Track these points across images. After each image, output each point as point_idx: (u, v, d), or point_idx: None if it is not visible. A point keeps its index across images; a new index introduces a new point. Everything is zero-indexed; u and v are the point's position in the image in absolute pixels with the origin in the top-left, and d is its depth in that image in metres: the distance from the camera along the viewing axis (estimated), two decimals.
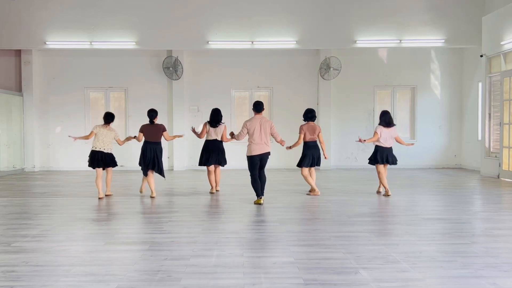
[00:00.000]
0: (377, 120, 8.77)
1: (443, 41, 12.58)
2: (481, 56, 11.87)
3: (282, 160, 13.15)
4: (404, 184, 10.02)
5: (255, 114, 7.64)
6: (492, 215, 6.74)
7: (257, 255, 4.61)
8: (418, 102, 13.79)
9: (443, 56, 13.77)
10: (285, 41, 12.63)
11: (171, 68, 13.15)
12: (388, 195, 8.31)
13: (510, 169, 10.62)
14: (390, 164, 8.51)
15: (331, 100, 13.61)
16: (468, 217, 6.54)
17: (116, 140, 8.35)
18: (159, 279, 3.87)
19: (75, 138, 8.41)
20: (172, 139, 8.82)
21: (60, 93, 13.62)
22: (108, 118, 8.29)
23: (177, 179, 11.32)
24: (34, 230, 5.68)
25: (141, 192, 8.54)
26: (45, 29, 12.62)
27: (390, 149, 8.44)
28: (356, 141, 8.97)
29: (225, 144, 8.87)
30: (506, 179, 10.68)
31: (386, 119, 8.40)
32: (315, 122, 8.77)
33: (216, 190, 8.91)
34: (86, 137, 8.29)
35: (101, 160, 8.14)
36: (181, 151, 13.48)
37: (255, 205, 7.40)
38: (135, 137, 8.44)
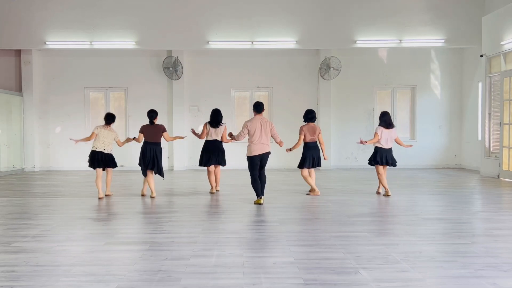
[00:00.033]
0: (377, 120, 8.76)
1: (443, 41, 12.58)
2: (481, 56, 11.87)
3: (282, 160, 13.15)
4: (404, 184, 10.02)
5: (255, 115, 7.64)
6: (492, 215, 6.74)
7: (257, 255, 4.61)
8: (418, 102, 13.80)
9: (443, 56, 13.77)
10: (285, 41, 12.63)
11: (171, 68, 13.15)
12: (388, 195, 8.31)
13: (510, 169, 10.62)
14: (389, 166, 8.52)
15: (331, 100, 13.61)
16: (468, 217, 6.54)
17: (116, 141, 8.35)
18: (159, 279, 3.87)
19: (77, 141, 8.41)
20: (173, 140, 8.81)
21: (60, 93, 13.62)
22: (109, 119, 8.29)
23: (177, 179, 11.32)
24: (34, 230, 5.68)
25: (143, 194, 8.51)
26: (45, 29, 12.62)
27: (390, 150, 8.44)
28: (357, 142, 8.98)
29: (225, 145, 8.87)
30: (506, 179, 10.68)
31: (386, 120, 8.41)
32: (315, 122, 8.76)
33: (216, 190, 8.91)
34: (88, 139, 8.28)
35: (101, 160, 8.15)
36: (181, 151, 13.48)
37: (255, 205, 7.40)
38: (134, 138, 8.44)
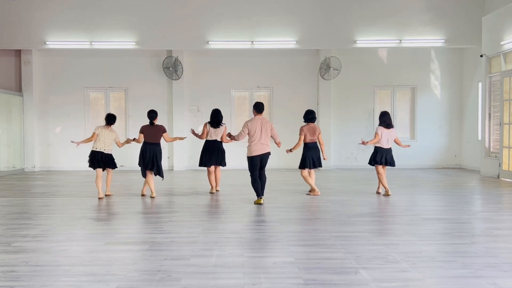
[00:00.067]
0: (377, 120, 8.77)
1: (443, 41, 12.58)
2: (481, 56, 11.87)
3: (282, 160, 13.15)
4: (404, 184, 10.02)
5: (255, 115, 7.64)
6: (492, 215, 6.74)
7: (257, 255, 4.61)
8: (418, 102, 13.80)
9: (443, 56, 13.77)
10: (285, 41, 12.63)
11: (171, 68, 13.15)
12: (388, 195, 8.32)
13: (510, 169, 10.62)
14: (388, 166, 8.53)
15: (331, 100, 13.61)
16: (468, 217, 6.54)
17: (115, 142, 8.36)
18: (159, 279, 3.87)
19: (78, 143, 8.41)
20: (173, 140, 8.82)
21: (60, 93, 13.62)
22: (110, 119, 8.31)
23: (177, 179, 11.32)
24: (34, 230, 5.68)
25: (143, 195, 8.51)
26: (45, 29, 12.62)
27: (390, 150, 8.45)
28: (359, 143, 9.00)
29: (225, 145, 8.87)
30: (506, 179, 10.68)
31: (386, 120, 8.42)
32: (315, 123, 8.76)
33: (216, 190, 8.92)
34: (89, 140, 8.28)
35: (101, 160, 8.15)
36: (181, 151, 13.48)
37: (255, 205, 7.40)
38: (134, 139, 8.44)
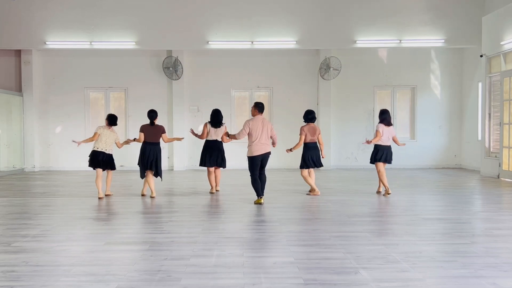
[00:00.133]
0: (377, 120, 8.78)
1: (443, 41, 12.58)
2: (481, 56, 11.88)
3: (282, 160, 13.15)
4: (404, 184, 10.02)
5: (256, 114, 7.62)
6: (492, 215, 6.74)
7: (257, 255, 4.61)
8: (418, 102, 13.80)
9: (443, 56, 13.77)
10: (285, 41, 12.63)
11: (171, 68, 13.15)
12: (389, 194, 8.33)
13: (510, 169, 10.62)
14: (388, 163, 8.55)
15: (331, 100, 13.61)
16: (468, 217, 6.54)
17: (115, 143, 8.37)
18: (159, 279, 3.87)
19: (79, 143, 8.41)
20: (171, 141, 8.82)
21: (60, 93, 13.62)
22: (112, 120, 8.34)
23: (177, 179, 11.32)
24: (34, 230, 5.68)
25: (143, 194, 8.51)
26: (45, 29, 12.62)
27: (389, 147, 8.49)
28: (363, 143, 9.01)
29: (225, 145, 8.87)
30: (506, 179, 10.68)
31: (387, 118, 8.46)
32: (315, 123, 8.77)
33: (216, 190, 8.92)
34: (91, 140, 8.29)
35: (102, 160, 8.16)
36: (181, 151, 13.48)
37: (255, 205, 7.40)
38: (134, 139, 8.45)
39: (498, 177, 11.01)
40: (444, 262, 4.33)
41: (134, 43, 12.60)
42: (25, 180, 11.32)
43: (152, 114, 8.34)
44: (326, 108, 13.51)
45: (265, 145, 7.50)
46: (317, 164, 8.37)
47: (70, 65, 13.63)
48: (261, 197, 7.53)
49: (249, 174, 7.58)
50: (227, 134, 8.12)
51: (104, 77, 13.65)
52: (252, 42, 12.61)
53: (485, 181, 10.56)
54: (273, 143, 7.79)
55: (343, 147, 13.79)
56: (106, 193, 8.44)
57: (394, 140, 8.64)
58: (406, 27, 12.56)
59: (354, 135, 13.68)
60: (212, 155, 8.64)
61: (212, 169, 8.75)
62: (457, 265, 4.22)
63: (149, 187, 8.27)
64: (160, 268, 4.15)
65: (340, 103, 13.76)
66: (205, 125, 8.70)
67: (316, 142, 8.42)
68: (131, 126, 13.46)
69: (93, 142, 8.26)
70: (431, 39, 12.60)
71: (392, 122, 8.69)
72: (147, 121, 8.42)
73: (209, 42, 12.61)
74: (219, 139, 8.66)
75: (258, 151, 7.44)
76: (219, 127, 8.63)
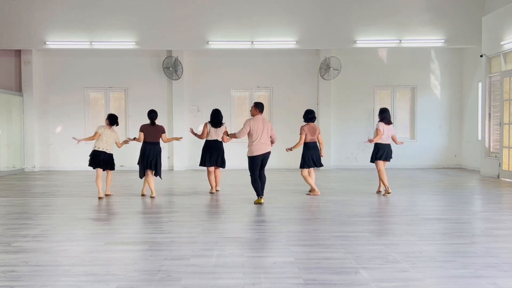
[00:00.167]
0: (377, 119, 8.78)
1: (443, 41, 12.58)
2: (481, 56, 11.87)
3: (282, 160, 13.15)
4: (404, 184, 10.01)
5: (256, 114, 7.62)
6: (492, 215, 6.74)
7: (257, 255, 4.61)
8: (418, 102, 13.80)
9: (443, 56, 13.77)
10: (285, 41, 12.63)
11: (171, 68, 13.15)
12: (389, 193, 8.34)
13: (510, 169, 10.62)
14: (388, 161, 8.56)
15: (331, 100, 13.61)
16: (468, 217, 6.54)
17: (116, 143, 8.38)
18: (159, 279, 3.87)
19: (79, 140, 8.42)
20: (170, 141, 8.83)
21: (60, 93, 13.62)
22: (114, 120, 8.36)
23: (177, 179, 11.32)
24: (34, 230, 5.68)
25: (143, 194, 8.51)
26: (45, 29, 12.62)
27: (389, 146, 8.51)
28: (365, 142, 9.00)
29: (225, 145, 8.87)
30: (506, 179, 10.68)
31: (387, 117, 8.48)
32: (315, 122, 8.77)
33: (216, 190, 8.92)
34: (91, 138, 8.30)
35: (104, 160, 8.17)
36: (181, 151, 13.48)
37: (255, 205, 7.40)
38: (134, 138, 8.45)
39: (498, 177, 11.01)
40: (444, 262, 4.33)
41: (134, 43, 12.60)
42: (25, 180, 11.32)
43: (153, 114, 8.35)
44: (326, 108, 13.51)
45: (265, 144, 7.50)
46: (317, 163, 8.38)
47: (70, 65, 13.63)
48: (261, 197, 7.53)
49: (249, 174, 7.58)
50: (227, 133, 8.11)
51: (104, 77, 13.65)
52: (252, 42, 12.61)
53: (485, 181, 10.56)
54: (272, 143, 7.79)
55: (343, 147, 13.79)
56: (106, 193, 8.44)
57: (393, 139, 8.67)
58: (406, 27, 12.56)
59: (354, 135, 13.68)
60: (213, 155, 8.64)
61: (212, 169, 8.75)
62: (457, 265, 4.22)
63: (149, 187, 8.28)
64: (160, 268, 4.15)
65: (340, 103, 13.76)
66: (205, 125, 8.71)
67: (316, 142, 8.43)
68: (131, 126, 13.46)
69: (93, 141, 8.27)
70: (431, 39, 12.60)
71: (391, 121, 8.72)
72: (147, 121, 8.42)
73: (209, 42, 12.61)
74: (219, 139, 8.66)
75: (258, 151, 7.44)
76: (219, 127, 8.63)
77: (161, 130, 8.35)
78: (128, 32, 12.59)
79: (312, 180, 8.45)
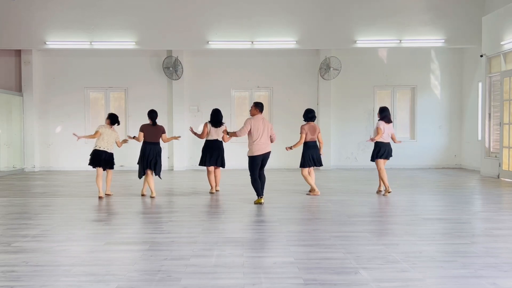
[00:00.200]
0: (377, 119, 8.78)
1: (443, 41, 12.58)
2: (481, 56, 11.87)
3: (282, 160, 13.15)
4: (404, 184, 10.01)
5: (256, 114, 7.61)
6: (492, 215, 6.74)
7: (257, 255, 4.61)
8: (418, 102, 13.80)
9: (443, 56, 13.77)
10: (285, 41, 12.63)
11: (171, 68, 13.15)
12: (389, 192, 8.34)
13: (510, 169, 10.62)
14: (388, 160, 8.57)
15: (331, 100, 13.61)
16: (468, 217, 6.54)
17: (116, 142, 8.39)
18: (159, 279, 3.87)
19: (79, 137, 8.43)
20: (169, 140, 8.83)
21: (60, 93, 13.62)
22: (115, 119, 8.38)
23: (177, 179, 11.32)
24: (34, 230, 5.68)
25: (143, 194, 8.51)
26: (45, 29, 12.62)
27: (389, 144, 8.53)
28: (367, 140, 9.01)
29: (225, 145, 8.88)
30: (506, 179, 10.68)
31: (388, 115, 8.51)
32: (315, 122, 8.77)
33: (216, 190, 8.92)
34: (92, 136, 8.34)
35: (104, 160, 8.19)
36: (181, 151, 13.48)
37: (255, 205, 7.39)
38: (134, 137, 8.44)
39: (498, 177, 11.01)
40: (444, 262, 4.33)
41: (134, 43, 12.60)
42: (25, 180, 11.32)
43: (155, 115, 8.36)
44: (326, 108, 13.51)
45: (266, 144, 7.51)
46: (317, 163, 8.38)
47: (70, 65, 13.64)
48: (261, 197, 7.53)
49: (249, 173, 7.58)
50: (227, 132, 8.09)
51: (104, 77, 13.65)
52: (252, 42, 12.61)
53: (485, 181, 10.56)
54: (271, 142, 7.80)
55: (343, 147, 13.79)
56: (106, 193, 8.45)
57: (392, 137, 8.69)
58: (406, 27, 12.56)
59: (354, 135, 13.68)
60: (213, 154, 8.65)
61: (211, 168, 8.75)
62: (457, 265, 4.22)
63: (149, 187, 8.28)
64: (160, 268, 4.15)
65: (340, 103, 13.76)
66: (205, 124, 8.71)
67: (315, 141, 8.44)
68: (131, 126, 13.46)
69: (94, 140, 8.29)
70: (431, 39, 12.60)
71: (391, 119, 8.75)
72: (147, 121, 8.42)
73: (209, 42, 12.61)
74: (220, 139, 8.67)
75: (259, 151, 7.44)
76: (219, 126, 8.64)
77: (161, 130, 8.36)
78: (128, 32, 12.59)
79: (312, 180, 8.45)
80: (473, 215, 6.72)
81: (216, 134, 8.64)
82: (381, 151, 8.44)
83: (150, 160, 8.15)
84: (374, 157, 8.55)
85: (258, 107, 7.63)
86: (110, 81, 13.67)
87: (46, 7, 12.61)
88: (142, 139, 8.26)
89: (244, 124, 7.53)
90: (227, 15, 12.62)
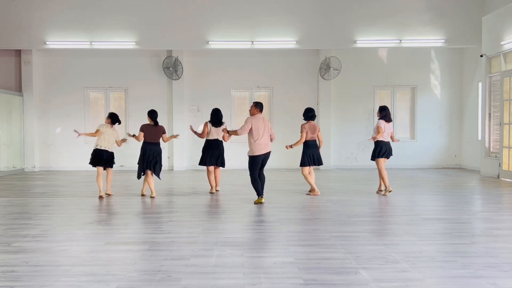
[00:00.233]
0: (377, 118, 8.78)
1: (443, 41, 12.58)
2: (481, 56, 11.87)
3: (282, 160, 13.15)
4: (404, 184, 10.01)
5: (256, 113, 7.62)
6: (492, 215, 6.74)
7: (257, 255, 4.61)
8: (418, 102, 13.80)
9: (443, 56, 13.77)
10: (285, 41, 12.63)
11: (171, 68, 13.15)
12: (390, 191, 8.35)
13: (510, 169, 10.62)
14: (388, 158, 8.57)
15: (331, 100, 13.61)
16: (468, 217, 6.54)
17: (116, 141, 8.41)
18: (159, 279, 3.87)
19: (80, 134, 8.44)
20: (169, 140, 8.83)
21: (60, 93, 13.62)
22: (115, 119, 8.39)
23: (177, 179, 11.32)
24: (34, 230, 5.68)
25: (143, 194, 8.51)
26: (45, 29, 12.62)
27: (389, 143, 8.53)
28: (369, 139, 9.02)
29: (225, 144, 8.88)
30: (506, 179, 10.68)
31: (388, 114, 8.52)
32: (315, 121, 8.78)
33: (216, 190, 8.92)
34: (93, 134, 8.37)
35: (106, 159, 8.21)
36: (181, 151, 13.48)
37: (255, 205, 7.39)
38: (134, 135, 8.42)
39: (498, 177, 11.01)
40: (444, 262, 4.33)
41: (134, 43, 12.60)
42: (25, 180, 11.32)
43: (155, 115, 8.36)
44: (326, 108, 13.51)
45: (266, 144, 7.52)
46: (317, 162, 8.39)
47: (70, 65, 13.64)
48: (261, 197, 7.53)
49: (249, 173, 7.56)
50: (227, 131, 8.06)
51: (104, 77, 13.65)
52: (252, 42, 12.61)
53: (485, 181, 10.56)
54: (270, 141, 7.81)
55: (343, 147, 13.79)
56: (107, 192, 8.45)
57: (391, 136, 8.70)
58: (406, 27, 12.56)
59: (354, 135, 13.68)
60: (213, 154, 8.66)
61: (211, 168, 8.75)
62: (457, 265, 4.22)
63: (149, 187, 8.28)
64: (160, 268, 4.15)
65: (340, 103, 13.76)
66: (206, 124, 8.71)
67: (316, 140, 8.45)
68: (131, 126, 13.44)
69: (94, 140, 8.30)
70: (431, 39, 12.60)
71: (391, 118, 8.76)
72: (147, 121, 8.42)
73: (209, 42, 12.61)
74: (220, 138, 8.68)
75: (260, 151, 7.44)
76: (220, 126, 8.65)
77: (161, 131, 8.37)
78: (128, 32, 12.59)
79: (312, 180, 8.45)
80: (473, 215, 6.72)
81: (216, 133, 8.64)
82: (383, 150, 8.44)
83: (150, 160, 8.16)
84: (375, 156, 8.54)
85: (258, 106, 7.63)
86: (110, 81, 13.67)
87: (46, 7, 12.61)
88: (142, 139, 8.26)
89: (245, 122, 7.52)
90: (227, 15, 12.62)
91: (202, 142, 9.03)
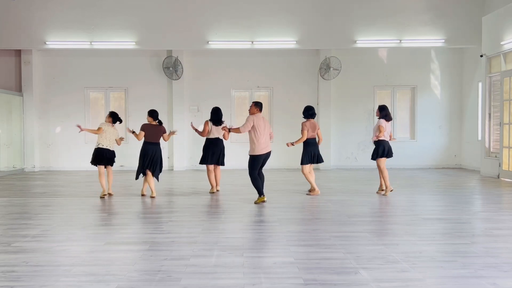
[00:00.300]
0: (377, 117, 8.77)
1: (443, 41, 12.58)
2: (481, 56, 11.87)
3: (282, 160, 13.15)
4: (404, 184, 10.01)
5: (256, 112, 7.61)
6: (492, 215, 6.74)
7: (257, 255, 4.61)
8: (418, 102, 13.80)
9: (443, 56, 13.77)
10: (285, 41, 12.63)
11: (171, 68, 13.15)
12: (391, 190, 8.35)
13: (510, 169, 10.62)
14: (389, 158, 8.57)
15: (331, 100, 13.60)
16: (468, 217, 6.54)
17: (116, 140, 8.42)
18: (159, 279, 3.87)
19: (82, 129, 8.43)
20: (169, 138, 8.83)
21: (60, 93, 13.62)
22: (115, 117, 8.43)
23: (177, 179, 11.32)
24: (34, 230, 5.68)
25: (143, 194, 8.51)
26: (45, 29, 12.62)
27: (389, 142, 8.52)
28: (372, 139, 9.02)
29: (225, 143, 8.89)
30: (506, 179, 10.68)
31: (388, 114, 8.52)
32: (315, 119, 8.78)
33: (217, 190, 8.92)
34: (95, 132, 8.37)
35: (107, 157, 8.23)
36: (181, 151, 13.48)
37: (255, 205, 7.39)
38: (133, 132, 8.40)
39: (498, 177, 11.01)
40: (444, 262, 4.33)
41: (134, 43, 12.60)
42: (25, 180, 11.32)
43: (156, 114, 8.37)
44: (326, 108, 13.51)
45: (268, 144, 7.56)
46: (318, 159, 8.39)
47: (70, 65, 13.64)
48: (263, 195, 7.53)
49: (248, 173, 7.54)
50: (228, 129, 8.00)
51: (104, 77, 13.65)
52: (252, 42, 12.61)
53: (485, 181, 10.56)
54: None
55: (343, 147, 13.79)
56: (108, 192, 8.45)
57: (390, 135, 8.71)
58: (406, 27, 12.56)
59: (354, 135, 13.68)
60: (214, 153, 8.66)
61: (211, 167, 8.76)
62: (457, 265, 4.22)
63: (149, 187, 8.29)
64: (160, 268, 4.15)
65: (340, 103, 13.76)
66: (206, 122, 8.70)
67: (315, 138, 8.45)
68: (131, 126, 13.35)
69: (94, 140, 8.31)
70: (431, 39, 12.60)
71: (391, 117, 8.77)
72: (147, 121, 8.42)
73: (209, 42, 12.61)
74: (221, 137, 8.68)
75: (262, 150, 7.45)
76: (220, 125, 8.65)
77: (162, 131, 8.37)
78: (128, 32, 12.59)
79: (313, 178, 8.45)
80: (473, 215, 6.72)
81: (217, 132, 8.65)
82: (385, 149, 8.43)
83: (150, 160, 8.16)
84: (376, 156, 8.52)
85: (257, 106, 7.64)
86: (110, 81, 13.67)
87: (46, 7, 12.61)
88: (142, 138, 8.26)
89: (247, 120, 7.52)
90: (227, 15, 12.62)
91: (202, 142, 9.03)
